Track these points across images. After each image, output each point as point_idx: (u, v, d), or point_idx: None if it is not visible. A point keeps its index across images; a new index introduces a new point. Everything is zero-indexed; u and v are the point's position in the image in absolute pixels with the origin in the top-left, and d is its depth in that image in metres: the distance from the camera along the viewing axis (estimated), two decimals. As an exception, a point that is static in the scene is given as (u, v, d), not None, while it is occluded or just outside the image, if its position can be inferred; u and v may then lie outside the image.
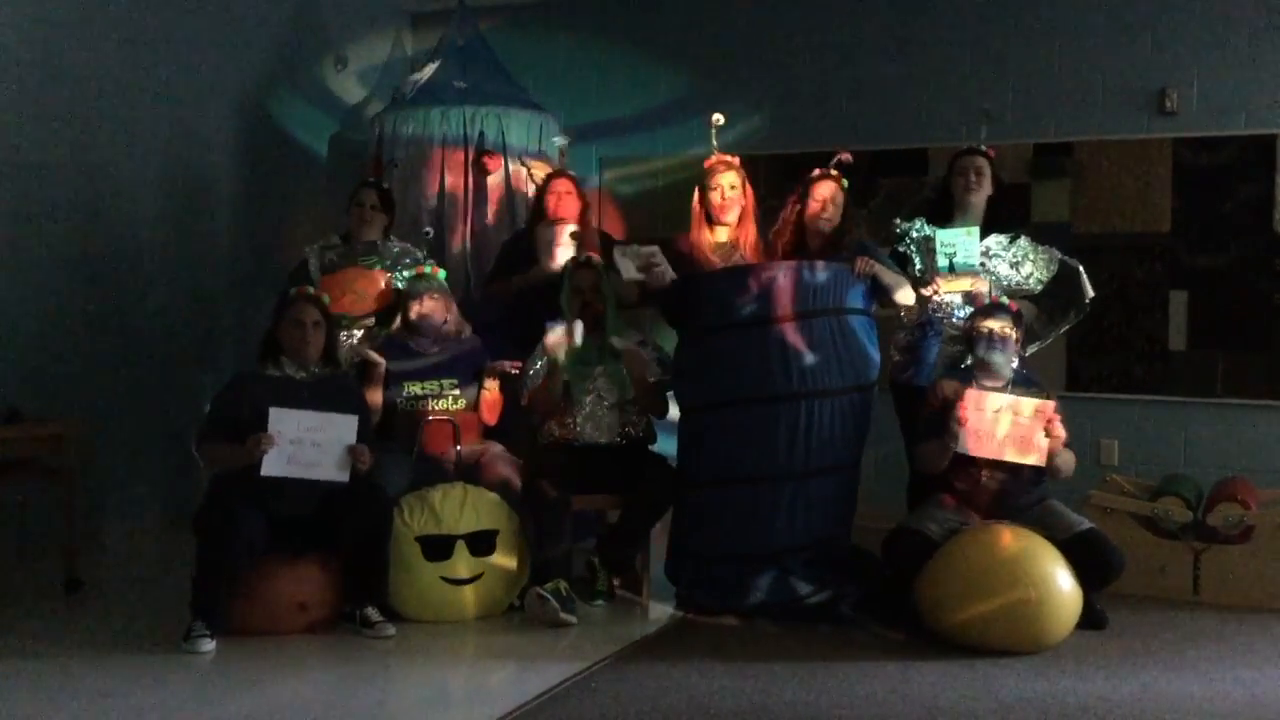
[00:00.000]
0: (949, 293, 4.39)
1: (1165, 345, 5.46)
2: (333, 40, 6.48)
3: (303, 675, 3.64)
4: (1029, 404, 4.01)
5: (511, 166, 5.69)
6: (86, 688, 3.44)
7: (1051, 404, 4.03)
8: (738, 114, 5.86)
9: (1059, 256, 4.49)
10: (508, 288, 4.96)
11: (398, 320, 4.62)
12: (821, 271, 4.24)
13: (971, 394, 4.05)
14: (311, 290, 4.27)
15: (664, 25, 6.40)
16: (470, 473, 4.35)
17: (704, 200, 4.58)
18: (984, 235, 4.45)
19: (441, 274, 4.67)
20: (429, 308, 4.50)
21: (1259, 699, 3.44)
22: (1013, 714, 3.30)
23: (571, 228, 4.82)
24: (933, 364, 4.48)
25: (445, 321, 4.57)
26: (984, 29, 5.77)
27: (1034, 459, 4.01)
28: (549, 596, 4.05)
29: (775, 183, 5.49)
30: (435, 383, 4.47)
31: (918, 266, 4.49)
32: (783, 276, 4.22)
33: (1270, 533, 4.42)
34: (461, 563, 4.14)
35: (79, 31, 5.07)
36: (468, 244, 5.63)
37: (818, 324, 4.21)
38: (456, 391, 4.48)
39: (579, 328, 4.37)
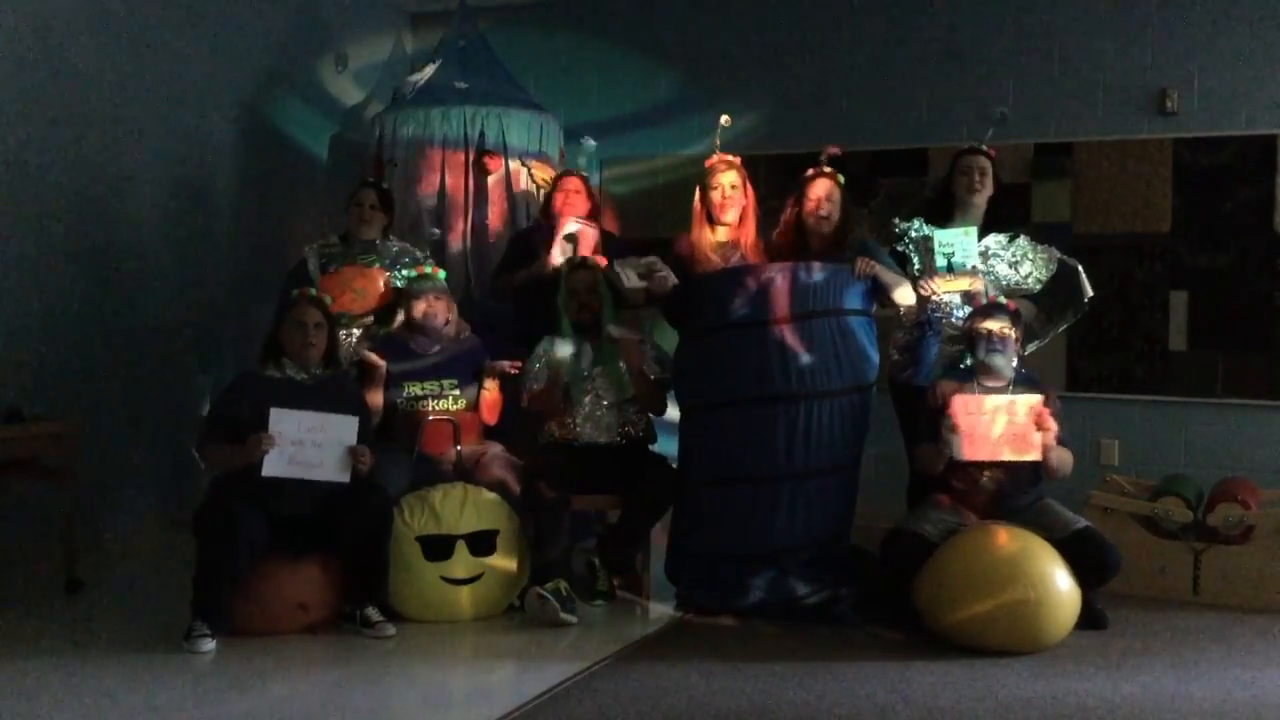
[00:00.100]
0: (947, 292, 4.38)
1: (1165, 345, 5.46)
2: (333, 40, 6.48)
3: (303, 675, 3.64)
4: (1024, 402, 4.01)
5: (512, 166, 5.69)
6: (86, 688, 3.44)
7: (1040, 398, 4.03)
8: (738, 114, 5.87)
9: (1058, 256, 4.49)
10: (511, 282, 4.98)
11: (399, 318, 4.61)
12: (818, 272, 4.24)
13: (959, 400, 4.05)
14: (313, 292, 4.27)
15: (664, 25, 6.40)
16: (468, 475, 4.35)
17: (705, 200, 4.58)
18: (983, 235, 4.45)
19: (442, 274, 4.67)
20: (432, 308, 4.50)
21: (1259, 699, 3.44)
22: (1013, 714, 3.30)
23: (572, 227, 4.81)
24: (932, 364, 4.48)
25: (446, 322, 4.57)
26: (984, 29, 5.76)
27: (1032, 456, 4.01)
28: (549, 596, 4.05)
29: (775, 183, 5.49)
30: (435, 383, 4.47)
31: (916, 266, 4.49)
32: (780, 278, 4.22)
33: (1270, 533, 4.42)
34: (461, 563, 4.14)
35: (79, 31, 5.07)
36: (468, 244, 5.63)
37: (817, 325, 4.21)
38: (456, 392, 4.48)
39: (586, 350, 4.40)
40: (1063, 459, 4.07)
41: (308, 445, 3.92)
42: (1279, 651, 3.91)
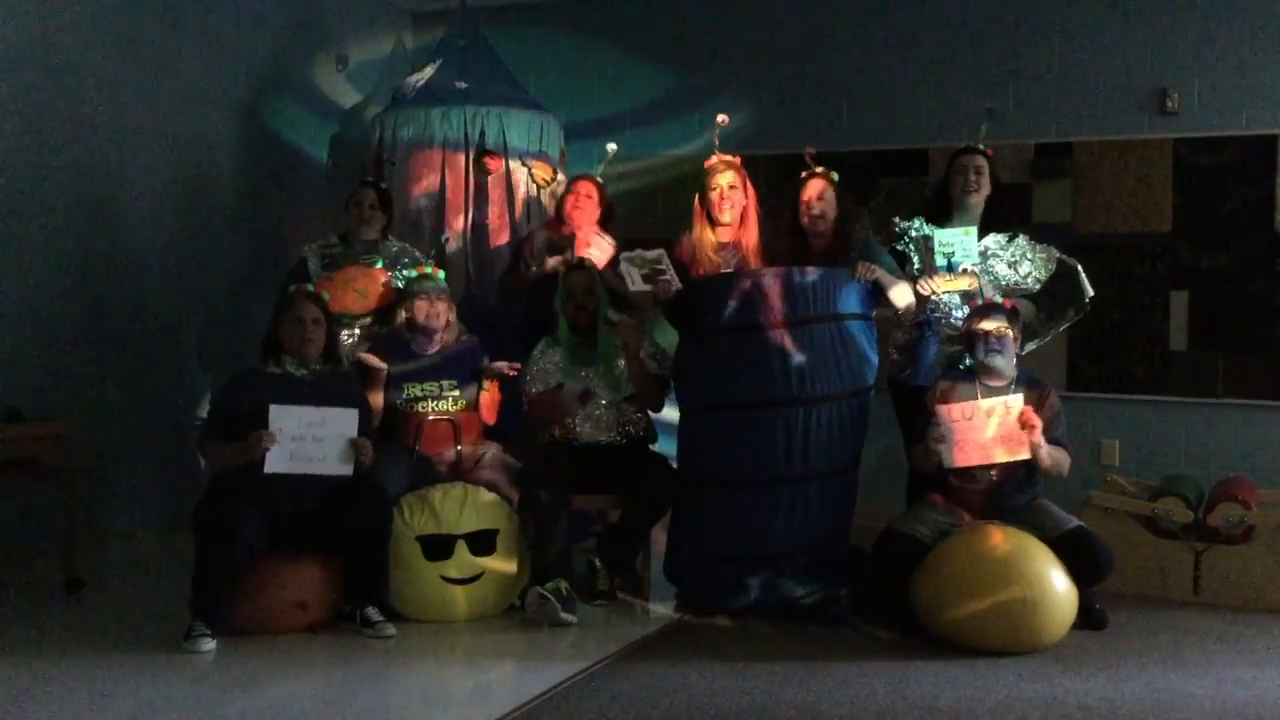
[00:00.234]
0: (946, 292, 4.38)
1: (1166, 345, 5.46)
2: (333, 40, 6.48)
3: (303, 675, 3.64)
4: (1012, 402, 4.01)
5: (512, 166, 5.69)
6: (86, 688, 3.44)
7: (1020, 397, 4.02)
8: (738, 114, 5.87)
9: (1057, 255, 4.48)
10: (523, 279, 4.99)
11: (400, 317, 4.61)
12: (811, 275, 4.23)
13: (944, 409, 4.05)
14: (311, 288, 4.28)
15: (664, 25, 6.40)
16: (462, 478, 4.34)
17: (704, 200, 4.58)
18: (982, 235, 4.44)
19: (441, 274, 4.67)
20: (433, 308, 4.50)
21: (1260, 699, 3.44)
22: (1013, 714, 3.30)
23: (594, 254, 4.78)
24: (931, 364, 4.48)
25: (446, 323, 4.57)
26: (984, 29, 5.76)
27: (1023, 454, 4.00)
28: (549, 596, 4.05)
29: (775, 183, 5.49)
30: (435, 383, 4.47)
31: (916, 266, 4.49)
32: (773, 282, 4.21)
33: (1271, 533, 4.42)
34: (462, 562, 4.14)
35: (79, 32, 5.07)
36: (468, 244, 5.62)
37: (817, 330, 4.20)
38: (456, 392, 4.48)
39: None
40: (1057, 458, 4.06)
41: (308, 440, 3.92)
42: (1279, 651, 3.90)
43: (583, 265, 4.62)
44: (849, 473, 4.33)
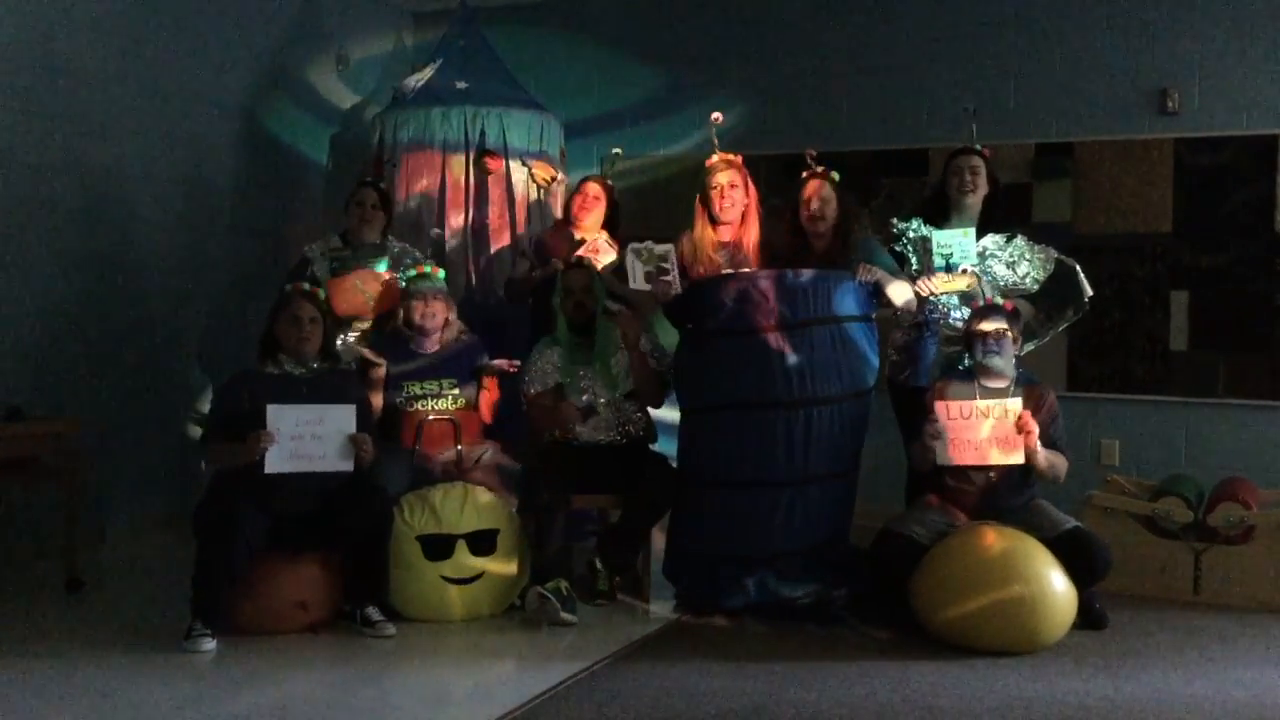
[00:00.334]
0: (945, 293, 4.38)
1: (1166, 345, 5.46)
2: (333, 40, 6.48)
3: (303, 675, 3.64)
4: (1009, 406, 4.01)
5: (512, 165, 5.69)
6: (86, 687, 3.44)
7: (1019, 401, 4.03)
8: (738, 113, 5.88)
9: (1055, 255, 4.48)
10: (530, 280, 5.01)
11: (398, 317, 4.61)
12: (805, 277, 4.22)
13: (942, 406, 4.05)
14: (307, 286, 4.28)
15: (664, 24, 6.39)
16: (457, 478, 4.34)
17: (705, 199, 4.58)
18: (980, 235, 4.44)
19: (441, 274, 4.67)
20: (431, 308, 4.51)
21: (1260, 699, 3.44)
22: (1013, 714, 3.30)
23: (604, 260, 4.80)
24: (930, 364, 4.48)
25: (445, 322, 4.57)
26: (984, 29, 5.76)
27: (1018, 458, 4.00)
28: (550, 596, 4.05)
29: (775, 182, 5.49)
30: (435, 382, 4.48)
31: (914, 266, 4.49)
32: (767, 284, 4.20)
33: (1271, 533, 4.42)
34: (462, 562, 4.14)
35: (79, 32, 5.07)
36: (468, 244, 5.62)
37: (815, 332, 4.20)
38: (456, 391, 4.49)
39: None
40: (1053, 462, 4.06)
41: (307, 438, 3.93)
42: (1279, 651, 3.90)
43: (581, 264, 4.62)
44: (849, 474, 4.33)
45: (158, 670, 3.58)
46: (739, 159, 4.63)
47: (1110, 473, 5.17)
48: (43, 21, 4.91)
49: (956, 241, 4.35)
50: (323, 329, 4.16)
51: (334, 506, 3.96)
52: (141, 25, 5.36)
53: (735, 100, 5.89)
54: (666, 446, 4.57)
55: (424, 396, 4.45)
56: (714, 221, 4.59)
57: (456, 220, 5.62)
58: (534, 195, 5.73)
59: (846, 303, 4.27)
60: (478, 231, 5.63)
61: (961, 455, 4.04)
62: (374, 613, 3.98)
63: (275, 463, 3.89)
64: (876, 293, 4.35)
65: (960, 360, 4.26)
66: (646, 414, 4.58)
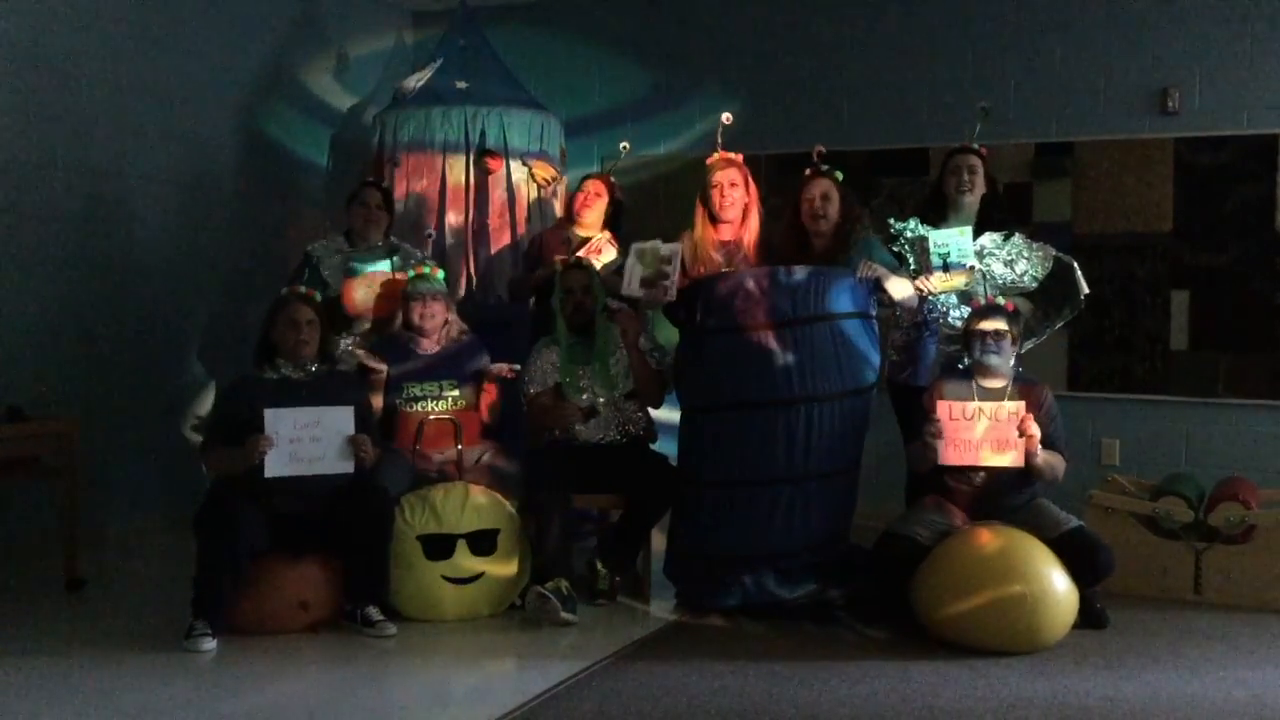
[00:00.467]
0: (943, 292, 4.38)
1: (1166, 345, 5.46)
2: (333, 40, 6.48)
3: (303, 675, 3.64)
4: (1007, 407, 4.01)
5: (512, 165, 5.69)
6: (87, 687, 3.44)
7: (1022, 404, 4.03)
8: (739, 113, 5.86)
9: (1053, 253, 4.47)
10: (532, 281, 5.02)
11: (397, 318, 4.61)
12: (798, 274, 4.21)
13: (943, 405, 4.05)
14: (303, 289, 4.27)
15: (664, 24, 6.40)
16: (452, 479, 4.34)
17: (705, 197, 4.58)
18: (977, 234, 4.43)
19: (441, 274, 4.67)
20: (432, 309, 4.50)
21: (1261, 699, 3.44)
22: (1013, 714, 3.30)
23: (607, 258, 4.82)
24: (929, 364, 4.47)
25: (445, 322, 4.57)
26: (984, 28, 5.76)
27: (1010, 459, 4.00)
28: (550, 595, 4.05)
29: (776, 182, 5.49)
30: (435, 383, 4.47)
31: (912, 266, 4.48)
32: (761, 282, 4.20)
33: (1271, 532, 4.42)
34: (462, 562, 4.14)
35: (79, 31, 5.07)
36: (468, 243, 5.62)
37: (812, 329, 4.19)
38: (456, 392, 4.48)
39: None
40: (1051, 462, 4.05)
41: (305, 441, 3.93)
42: (1279, 651, 3.90)
43: (580, 264, 4.62)
44: (849, 472, 4.33)
45: (158, 670, 3.58)
46: (739, 157, 4.62)
47: (1110, 472, 5.17)
48: (43, 20, 4.91)
49: (953, 240, 4.34)
50: (320, 331, 4.15)
51: (335, 507, 3.96)
52: (141, 25, 5.36)
53: (735, 100, 5.89)
54: (666, 446, 4.57)
55: (423, 397, 4.45)
56: (714, 220, 4.58)
57: (456, 220, 5.63)
58: (534, 195, 5.74)
59: (843, 299, 4.25)
60: (478, 231, 5.64)
61: (958, 455, 4.03)
62: (374, 613, 3.98)
63: (275, 466, 3.88)
64: (877, 289, 4.34)
65: (960, 360, 4.26)
66: (646, 414, 4.58)
